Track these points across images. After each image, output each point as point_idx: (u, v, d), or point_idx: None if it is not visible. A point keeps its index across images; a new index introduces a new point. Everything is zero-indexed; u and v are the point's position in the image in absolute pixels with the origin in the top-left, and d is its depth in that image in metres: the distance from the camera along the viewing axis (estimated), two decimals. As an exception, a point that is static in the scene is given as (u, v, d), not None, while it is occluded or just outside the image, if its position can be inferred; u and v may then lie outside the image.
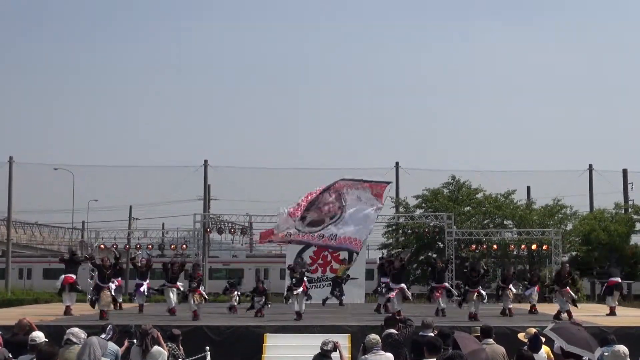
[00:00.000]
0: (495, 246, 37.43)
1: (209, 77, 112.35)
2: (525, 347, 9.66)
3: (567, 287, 20.31)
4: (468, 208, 41.85)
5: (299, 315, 19.12)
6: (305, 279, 20.29)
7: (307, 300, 20.07)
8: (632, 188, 45.33)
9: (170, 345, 11.12)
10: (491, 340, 10.23)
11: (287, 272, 21.69)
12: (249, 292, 22.67)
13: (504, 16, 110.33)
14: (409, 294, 20.97)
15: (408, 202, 41.77)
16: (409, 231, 38.55)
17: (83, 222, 59.34)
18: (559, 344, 8.15)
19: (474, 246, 36.31)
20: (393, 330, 11.14)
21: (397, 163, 44.15)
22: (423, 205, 41.09)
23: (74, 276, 21.43)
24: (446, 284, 21.81)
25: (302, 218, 19.48)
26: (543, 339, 9.83)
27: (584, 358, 7.99)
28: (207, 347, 15.23)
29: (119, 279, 24.24)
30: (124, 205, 57.07)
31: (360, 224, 19.78)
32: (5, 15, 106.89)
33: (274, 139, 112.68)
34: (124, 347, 10.86)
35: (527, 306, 23.09)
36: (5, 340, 10.40)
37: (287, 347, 16.20)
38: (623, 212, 42.53)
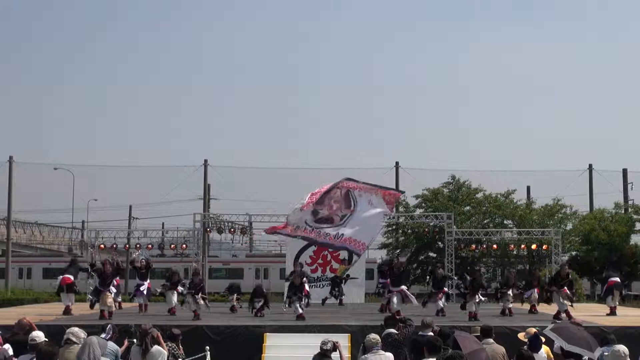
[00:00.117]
0: (495, 246, 37.44)
1: (209, 77, 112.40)
2: (525, 347, 9.66)
3: (565, 288, 20.32)
4: (468, 208, 41.87)
5: (301, 316, 19.08)
6: (305, 285, 20.50)
7: (307, 300, 20.11)
8: (632, 188, 45.35)
9: (170, 344, 11.10)
10: (491, 340, 10.23)
11: (286, 283, 21.84)
12: (247, 303, 21.79)
13: (503, 16, 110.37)
14: (412, 298, 20.99)
15: (408, 201, 41.80)
16: (409, 231, 38.54)
17: (83, 222, 59.45)
18: (559, 343, 8.15)
19: (473, 246, 36.30)
20: (393, 330, 11.14)
21: (397, 163, 44.16)
22: (423, 205, 41.10)
23: (72, 277, 21.52)
24: (446, 289, 22.06)
25: (314, 212, 19.45)
26: (543, 339, 9.84)
27: (584, 357, 7.99)
28: (207, 347, 15.24)
29: (117, 278, 24.20)
30: (123, 204, 57.17)
31: (368, 227, 19.81)
32: (6, 16, 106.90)
33: (274, 139, 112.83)
34: (123, 347, 10.85)
35: (527, 306, 23.08)
36: (5, 340, 10.38)
37: (287, 347, 16.18)
38: (623, 212, 42.52)
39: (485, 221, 40.91)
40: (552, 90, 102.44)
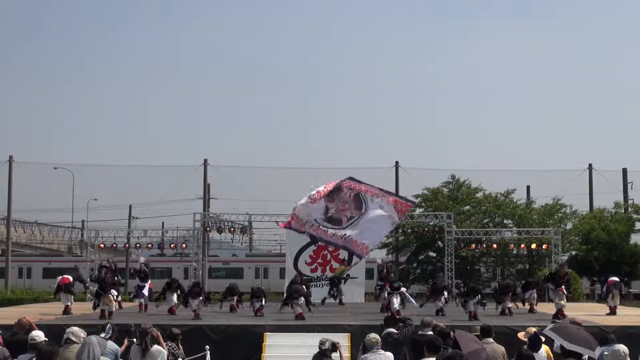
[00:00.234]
0: (495, 245, 37.45)
1: (209, 77, 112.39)
2: (525, 346, 9.65)
3: (562, 287, 20.38)
4: (468, 207, 41.87)
5: (301, 316, 19.05)
6: (304, 287, 20.57)
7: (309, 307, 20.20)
8: (631, 187, 45.35)
9: (169, 344, 11.10)
10: (491, 340, 10.23)
11: (286, 288, 21.90)
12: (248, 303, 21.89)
13: (503, 16, 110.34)
14: (412, 301, 21.09)
15: (408, 201, 41.77)
16: (409, 230, 38.56)
17: (83, 221, 59.43)
18: (559, 343, 8.14)
19: (473, 245, 36.31)
20: (393, 330, 11.14)
21: (397, 162, 44.13)
22: (423, 204, 41.08)
23: (70, 278, 21.70)
24: (444, 293, 22.13)
25: (325, 211, 19.42)
26: (543, 339, 9.83)
27: (584, 357, 7.97)
28: (207, 346, 15.24)
29: (116, 285, 24.27)
30: (123, 204, 57.22)
31: (373, 231, 19.82)
32: (6, 16, 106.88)
33: (274, 138, 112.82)
34: (123, 346, 10.84)
35: (527, 306, 23.06)
36: (5, 339, 10.38)
37: (287, 346, 16.18)
38: (623, 211, 42.52)
39: (485, 221, 40.90)
40: (552, 90, 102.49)
